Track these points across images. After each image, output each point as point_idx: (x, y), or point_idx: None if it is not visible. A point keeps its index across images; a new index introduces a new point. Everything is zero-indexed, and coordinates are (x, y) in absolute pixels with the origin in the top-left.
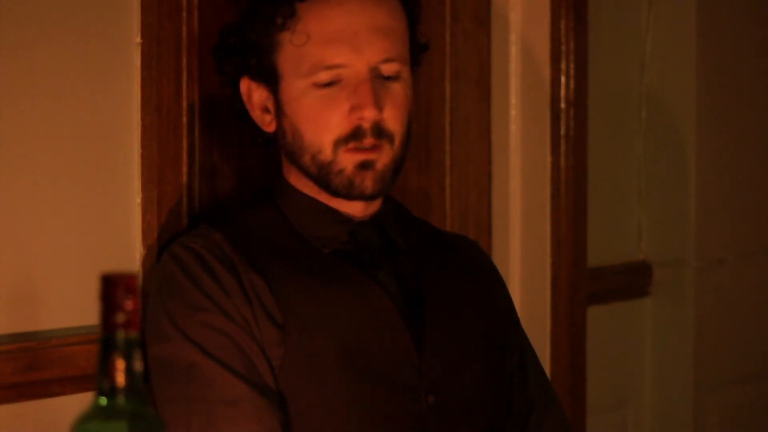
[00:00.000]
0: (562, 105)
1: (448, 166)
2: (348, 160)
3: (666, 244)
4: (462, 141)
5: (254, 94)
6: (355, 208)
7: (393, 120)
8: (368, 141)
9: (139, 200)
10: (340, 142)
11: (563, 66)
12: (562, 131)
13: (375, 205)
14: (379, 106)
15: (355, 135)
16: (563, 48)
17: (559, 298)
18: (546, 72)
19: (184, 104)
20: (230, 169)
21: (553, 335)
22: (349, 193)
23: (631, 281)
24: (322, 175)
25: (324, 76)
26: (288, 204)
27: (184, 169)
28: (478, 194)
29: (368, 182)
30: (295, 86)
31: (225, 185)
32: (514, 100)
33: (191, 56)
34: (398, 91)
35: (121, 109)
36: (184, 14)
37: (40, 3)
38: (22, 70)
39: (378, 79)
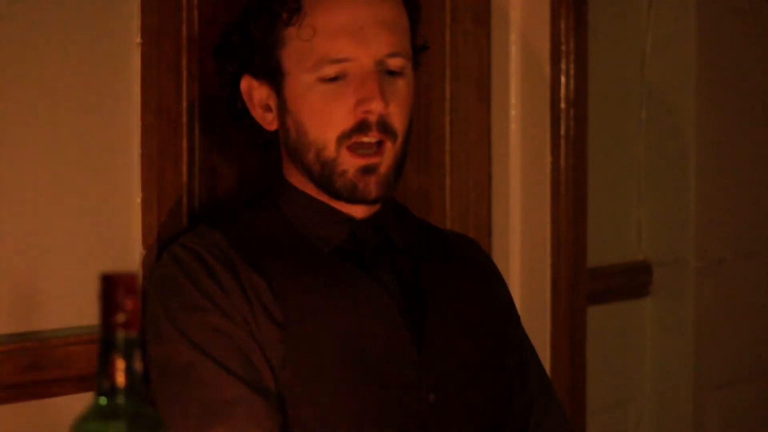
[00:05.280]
0: (562, 105)
1: (448, 166)
2: (350, 163)
3: (666, 244)
4: (462, 141)
5: (255, 93)
6: (356, 209)
7: (397, 116)
8: (373, 134)
9: (139, 200)
10: (344, 136)
11: (563, 66)
12: (562, 131)
13: (375, 205)
14: (385, 100)
15: (359, 128)
16: (563, 48)
17: (559, 298)
18: (546, 72)
19: (184, 104)
20: (230, 169)
21: (553, 335)
22: (351, 196)
23: (631, 281)
24: (326, 175)
25: (329, 71)
26: (288, 203)
27: (184, 169)
28: (478, 194)
29: (371, 187)
30: (301, 82)
31: (225, 185)
32: (514, 100)
33: (191, 56)
34: (402, 87)
35: (121, 109)
36: (184, 14)
37: (40, 3)
38: (22, 70)
39: (383, 74)
